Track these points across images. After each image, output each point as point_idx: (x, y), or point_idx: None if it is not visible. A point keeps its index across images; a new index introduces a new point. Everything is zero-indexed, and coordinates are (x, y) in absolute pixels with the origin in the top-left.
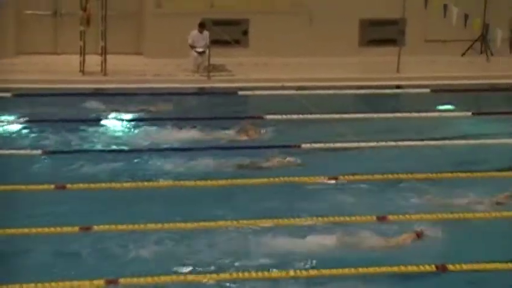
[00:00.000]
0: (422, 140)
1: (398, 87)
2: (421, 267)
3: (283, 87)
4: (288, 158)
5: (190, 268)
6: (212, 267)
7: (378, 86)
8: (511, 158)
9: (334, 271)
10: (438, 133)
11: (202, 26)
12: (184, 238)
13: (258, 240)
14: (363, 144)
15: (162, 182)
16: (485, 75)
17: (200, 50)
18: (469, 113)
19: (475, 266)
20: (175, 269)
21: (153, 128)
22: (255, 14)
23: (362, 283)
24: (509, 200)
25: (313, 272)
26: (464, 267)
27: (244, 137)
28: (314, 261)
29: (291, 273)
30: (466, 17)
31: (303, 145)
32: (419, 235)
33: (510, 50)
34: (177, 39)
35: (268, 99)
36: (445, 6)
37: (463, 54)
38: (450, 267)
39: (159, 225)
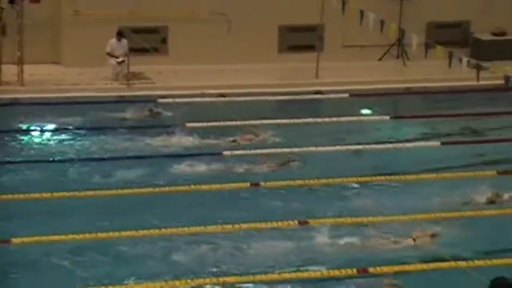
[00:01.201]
0: (342, 144)
1: (317, 92)
2: (343, 271)
3: (203, 95)
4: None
5: None
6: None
7: (298, 92)
8: (428, 161)
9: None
10: (358, 137)
11: (120, 34)
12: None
13: None
14: (285, 149)
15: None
16: (402, 80)
17: (120, 59)
18: (387, 117)
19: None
20: None
21: (71, 138)
22: (174, 22)
23: None
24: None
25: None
26: (385, 269)
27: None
28: None
29: None
30: (382, 22)
31: (224, 152)
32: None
33: (425, 54)
34: (95, 48)
35: (189, 107)
36: (362, 12)
37: (380, 59)
38: (371, 270)
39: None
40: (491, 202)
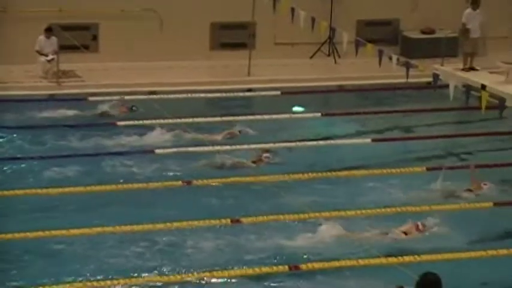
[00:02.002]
0: (274, 142)
1: (249, 90)
2: (275, 268)
3: (135, 92)
4: None
5: None
6: None
7: (230, 90)
8: (360, 157)
9: None
10: (290, 134)
11: (49, 31)
12: None
13: None
14: (217, 147)
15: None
16: (333, 77)
17: (49, 57)
18: (319, 114)
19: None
20: None
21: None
22: (105, 19)
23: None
24: None
25: None
26: (316, 266)
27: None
28: None
29: None
30: (313, 20)
31: (157, 150)
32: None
33: (356, 52)
34: (25, 45)
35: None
36: (293, 10)
37: (312, 57)
38: (303, 267)
39: None
40: None
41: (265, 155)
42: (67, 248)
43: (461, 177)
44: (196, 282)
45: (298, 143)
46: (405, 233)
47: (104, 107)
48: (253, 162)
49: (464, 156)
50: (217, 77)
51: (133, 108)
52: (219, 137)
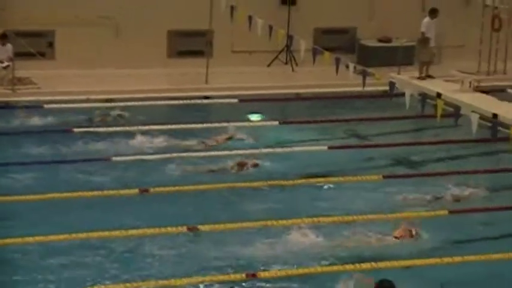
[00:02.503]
0: (230, 149)
1: (207, 97)
2: (232, 276)
3: (88, 100)
4: None
5: None
6: None
7: (187, 97)
8: (316, 165)
9: None
10: (246, 142)
11: (4, 38)
12: None
13: None
14: (174, 154)
15: None
16: (290, 85)
17: (4, 64)
18: (276, 122)
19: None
20: None
21: None
22: (61, 26)
23: None
24: None
25: None
26: (273, 274)
27: None
28: None
29: None
30: (271, 28)
31: (114, 158)
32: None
33: (313, 60)
34: None
35: (76, 112)
36: (250, 18)
37: (269, 65)
38: (260, 274)
39: None
40: None
41: (251, 162)
42: (22, 256)
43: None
44: None
45: (255, 151)
46: (396, 237)
47: (90, 114)
48: (239, 167)
49: (420, 164)
50: (175, 84)
51: (121, 115)
52: (214, 142)
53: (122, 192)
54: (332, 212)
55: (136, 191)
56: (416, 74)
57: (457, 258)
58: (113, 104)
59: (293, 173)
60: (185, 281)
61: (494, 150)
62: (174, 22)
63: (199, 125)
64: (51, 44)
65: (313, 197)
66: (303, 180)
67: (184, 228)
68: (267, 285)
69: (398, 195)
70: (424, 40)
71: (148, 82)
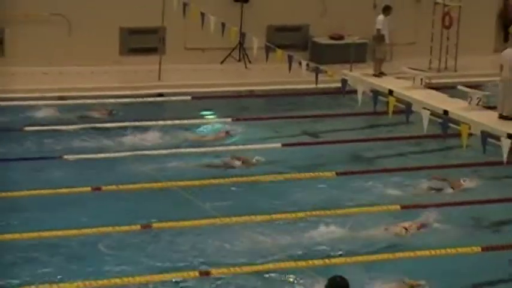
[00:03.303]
0: (184, 147)
1: (160, 95)
2: (185, 274)
3: (43, 98)
4: None
5: None
6: None
7: (140, 95)
8: (268, 161)
9: None
10: (199, 140)
11: None
12: None
13: None
14: (127, 154)
15: None
16: (243, 82)
17: None
18: (229, 119)
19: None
20: None
21: None
22: (11, 23)
23: None
24: None
25: None
26: (226, 271)
27: None
28: None
29: None
30: (224, 25)
31: (65, 156)
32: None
33: (266, 57)
34: None
35: (28, 110)
36: (203, 15)
37: (222, 62)
38: (213, 272)
39: None
40: None
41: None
42: None
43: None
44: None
45: (208, 149)
46: (406, 229)
47: (83, 111)
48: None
49: (372, 160)
50: (128, 82)
51: (113, 112)
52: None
53: (75, 190)
54: (286, 209)
55: (88, 189)
56: (369, 71)
57: (410, 253)
58: (65, 102)
59: (246, 170)
60: (138, 279)
61: (444, 147)
62: (126, 19)
63: (153, 122)
64: (1, 42)
65: (267, 194)
66: (257, 178)
67: (138, 227)
68: (220, 282)
69: (351, 192)
70: (379, 37)
71: (100, 80)
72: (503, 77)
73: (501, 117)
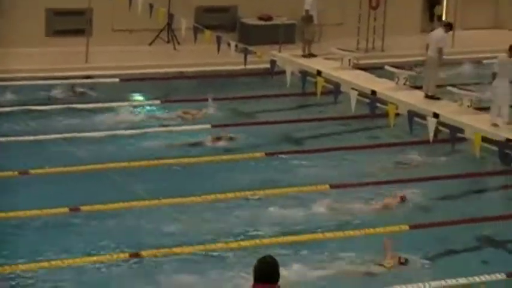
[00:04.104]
0: (115, 129)
1: (88, 77)
2: (115, 256)
3: None
4: None
5: None
6: None
7: (68, 77)
8: (198, 143)
9: None
10: (128, 121)
11: None
12: None
13: None
14: (57, 136)
15: None
16: (172, 64)
17: None
18: (158, 101)
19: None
20: None
21: None
22: None
23: None
24: None
25: None
26: (157, 253)
27: None
28: None
29: None
30: (151, 7)
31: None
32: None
33: (195, 39)
34: None
35: None
36: None
37: (151, 44)
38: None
39: None
40: None
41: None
42: None
43: None
44: (34, 271)
45: (137, 130)
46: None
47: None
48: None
49: (302, 141)
50: (55, 64)
51: (43, 94)
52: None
53: (1, 174)
54: (215, 190)
55: (16, 173)
56: (298, 52)
57: (339, 234)
58: None
59: (175, 152)
60: (66, 262)
61: (372, 126)
62: (52, 0)
63: (82, 105)
64: None
65: (195, 175)
66: (186, 160)
67: (66, 209)
68: (151, 263)
69: (281, 172)
70: (307, 18)
71: (27, 62)
72: (428, 57)
73: (427, 96)
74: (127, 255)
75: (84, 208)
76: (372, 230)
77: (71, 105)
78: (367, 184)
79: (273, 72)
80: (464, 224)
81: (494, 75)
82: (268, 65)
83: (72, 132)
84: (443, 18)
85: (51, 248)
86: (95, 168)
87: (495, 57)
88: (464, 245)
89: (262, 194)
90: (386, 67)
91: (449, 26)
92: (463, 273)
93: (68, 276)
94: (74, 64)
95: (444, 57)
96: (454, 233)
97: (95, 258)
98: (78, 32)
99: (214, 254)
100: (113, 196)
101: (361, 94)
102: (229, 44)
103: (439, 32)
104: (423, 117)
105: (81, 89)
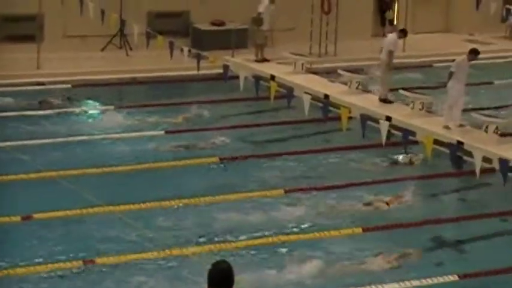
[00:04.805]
0: (64, 136)
1: (40, 84)
2: (69, 264)
3: None
4: None
5: None
6: None
7: (19, 84)
8: (153, 149)
9: None
10: (82, 128)
11: None
12: None
13: None
14: (7, 143)
15: None
16: (125, 70)
17: None
18: (112, 107)
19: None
20: None
21: None
22: None
23: None
24: None
25: None
26: (112, 259)
27: None
28: None
29: None
30: (103, 12)
31: None
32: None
33: (147, 44)
34: None
35: None
36: (81, 2)
37: (103, 50)
38: (98, 260)
39: None
40: None
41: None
42: None
43: None
44: None
45: (90, 137)
46: (387, 204)
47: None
48: None
49: (256, 145)
50: (5, 70)
51: (69, 97)
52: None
53: None
54: (170, 195)
55: None
56: (251, 57)
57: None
58: None
59: (128, 158)
60: (19, 271)
61: (325, 130)
62: (2, 5)
63: (33, 112)
64: None
65: (150, 181)
66: (140, 166)
67: (18, 218)
68: (105, 270)
69: (234, 177)
70: (257, 20)
71: None
72: (381, 60)
73: (381, 100)
74: (81, 262)
75: (36, 216)
76: (324, 234)
77: (23, 112)
78: (328, 188)
79: (226, 77)
80: (418, 227)
81: (450, 75)
82: (221, 70)
83: (24, 140)
84: (395, 22)
85: (4, 258)
86: (46, 175)
87: (447, 61)
88: (418, 247)
89: (218, 199)
90: (339, 71)
91: (403, 33)
92: (417, 275)
93: (24, 285)
94: (25, 71)
95: (394, 61)
96: (408, 235)
97: (49, 266)
98: (30, 37)
99: (171, 259)
100: (66, 204)
101: (314, 98)
102: (182, 50)
103: (392, 36)
104: (376, 120)
105: (34, 96)
